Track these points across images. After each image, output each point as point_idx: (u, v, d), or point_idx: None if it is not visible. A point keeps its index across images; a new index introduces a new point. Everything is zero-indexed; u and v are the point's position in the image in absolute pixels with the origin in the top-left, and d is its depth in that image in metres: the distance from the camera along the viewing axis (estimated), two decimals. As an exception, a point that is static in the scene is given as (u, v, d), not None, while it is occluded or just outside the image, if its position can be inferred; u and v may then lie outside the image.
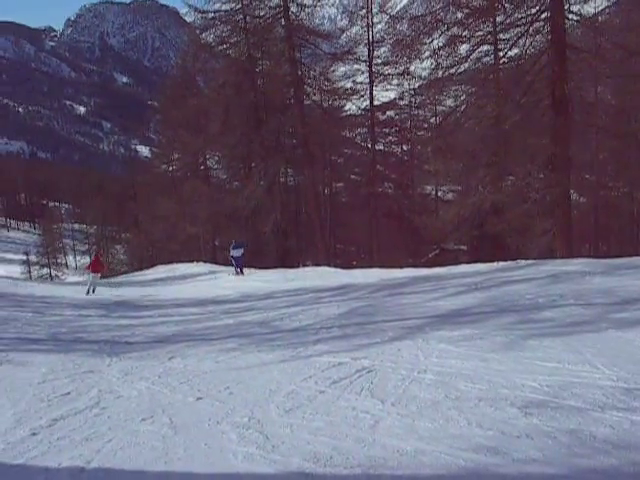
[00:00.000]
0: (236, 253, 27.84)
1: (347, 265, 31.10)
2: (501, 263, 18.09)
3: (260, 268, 29.70)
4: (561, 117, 21.75)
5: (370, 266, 25.93)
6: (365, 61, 37.15)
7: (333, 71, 37.66)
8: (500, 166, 26.30)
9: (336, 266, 28.56)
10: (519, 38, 22.95)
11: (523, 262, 17.75)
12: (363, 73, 38.22)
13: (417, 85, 38.51)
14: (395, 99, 41.91)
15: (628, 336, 7.45)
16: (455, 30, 24.28)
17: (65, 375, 8.19)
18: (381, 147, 42.20)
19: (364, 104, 38.95)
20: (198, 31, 38.24)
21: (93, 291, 22.56)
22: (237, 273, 27.46)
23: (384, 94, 40.96)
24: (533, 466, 4.16)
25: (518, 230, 26.42)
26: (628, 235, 37.04)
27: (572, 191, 26.67)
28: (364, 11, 36.81)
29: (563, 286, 11.94)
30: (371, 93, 37.39)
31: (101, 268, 24.45)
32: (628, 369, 6.11)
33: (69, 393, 7.26)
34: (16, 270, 69.57)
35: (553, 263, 16.54)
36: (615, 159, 34.62)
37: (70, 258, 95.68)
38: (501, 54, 25.12)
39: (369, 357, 7.74)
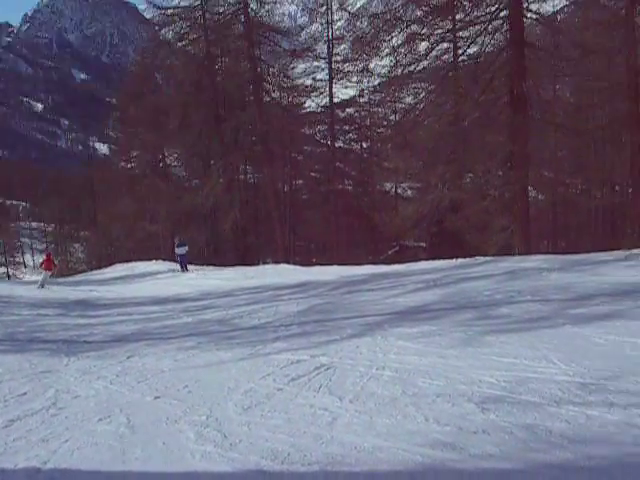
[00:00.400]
0: (180, 251, 28.36)
1: (306, 262, 31.11)
2: (460, 260, 18.19)
3: (220, 266, 29.58)
4: (519, 115, 22.00)
5: (329, 263, 25.96)
6: (325, 58, 37.31)
7: (293, 68, 37.63)
8: (459, 163, 26.49)
9: (295, 263, 28.59)
10: (478, 36, 23.19)
11: (481, 259, 17.90)
12: (323, 70, 38.37)
13: (377, 83, 38.80)
14: (355, 96, 42.15)
15: (584, 332, 7.54)
16: (414, 27, 24.46)
17: (22, 375, 8.02)
18: (341, 144, 42.41)
19: (324, 101, 39.13)
20: (157, 27, 38.02)
21: (42, 286, 23.57)
22: (182, 270, 27.59)
23: (344, 91, 41.17)
24: (490, 461, 4.16)
25: (477, 227, 26.63)
26: (586, 232, 37.52)
27: (530, 188, 26.96)
28: (324, 8, 37.02)
29: (521, 282, 12.07)
30: (331, 90, 37.54)
31: (53, 267, 25.76)
32: (584, 364, 6.17)
33: (25, 393, 7.10)
34: (-28, 270, 68.43)
35: (511, 260, 16.72)
36: (573, 156, 35.06)
37: (28, 257, 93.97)
38: (460, 52, 25.37)
39: (328, 354, 7.72)
